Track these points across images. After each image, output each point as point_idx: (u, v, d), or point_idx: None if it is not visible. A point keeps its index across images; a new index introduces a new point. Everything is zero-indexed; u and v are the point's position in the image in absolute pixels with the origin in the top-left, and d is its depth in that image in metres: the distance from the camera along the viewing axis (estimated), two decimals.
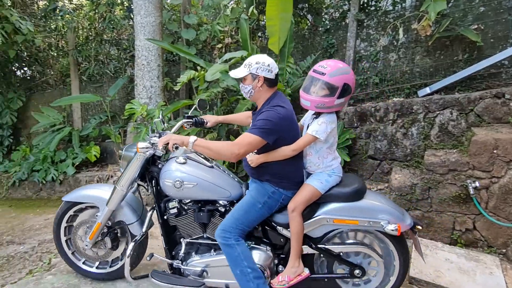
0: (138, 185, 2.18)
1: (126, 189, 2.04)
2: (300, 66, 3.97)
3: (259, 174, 1.88)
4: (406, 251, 1.89)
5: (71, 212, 2.26)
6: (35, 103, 5.81)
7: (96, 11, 5.19)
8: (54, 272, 2.45)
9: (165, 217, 2.03)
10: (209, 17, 4.57)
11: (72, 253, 2.31)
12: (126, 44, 5.46)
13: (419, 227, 1.85)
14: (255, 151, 1.79)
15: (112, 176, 4.42)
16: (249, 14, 3.83)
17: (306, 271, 1.89)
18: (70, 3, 5.58)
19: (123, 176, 2.02)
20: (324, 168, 1.89)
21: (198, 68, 3.58)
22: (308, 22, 4.37)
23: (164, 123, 2.24)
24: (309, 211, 1.87)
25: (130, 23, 5.24)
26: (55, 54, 5.86)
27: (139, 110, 3.65)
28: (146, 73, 3.84)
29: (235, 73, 1.86)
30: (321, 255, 1.96)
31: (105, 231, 2.15)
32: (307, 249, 1.90)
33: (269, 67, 1.81)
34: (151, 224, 2.12)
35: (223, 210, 1.98)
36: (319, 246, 1.91)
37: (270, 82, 1.84)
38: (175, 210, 1.98)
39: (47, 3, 5.44)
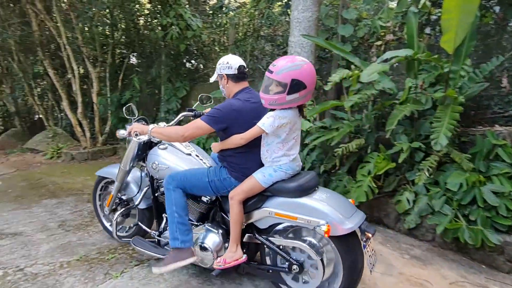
0: (142, 166, 3.04)
1: (127, 167, 2.92)
2: (482, 70, 3.74)
3: (220, 160, 2.53)
4: (353, 256, 2.06)
5: (102, 184, 3.50)
6: (196, 93, 7.35)
7: (257, 7, 6.19)
8: None
9: (156, 194, 2.83)
10: (370, 11, 4.84)
11: (103, 216, 3.53)
12: (280, 40, 6.30)
13: (369, 234, 2.01)
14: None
15: None
16: (419, 7, 3.90)
17: (243, 257, 2.28)
18: (235, 1, 6.81)
19: (123, 157, 2.93)
20: (271, 162, 2.24)
21: (352, 67, 3.91)
22: (494, 15, 4.07)
23: (135, 113, 2.98)
24: (255, 202, 2.27)
25: (287, 19, 6.02)
26: (217, 48, 7.26)
27: None
28: None
29: (212, 79, 2.60)
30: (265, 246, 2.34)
31: (117, 201, 3.20)
32: (250, 238, 2.38)
33: (228, 64, 2.36)
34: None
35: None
36: (262, 236, 2.30)
37: (234, 78, 2.39)
38: (162, 189, 2.66)
39: (216, 1, 6.82)
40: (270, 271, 2.39)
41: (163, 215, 2.79)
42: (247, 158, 2.35)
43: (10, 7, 8.63)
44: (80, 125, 8.42)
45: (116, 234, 3.05)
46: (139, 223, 3.05)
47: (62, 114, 10.40)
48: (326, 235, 1.96)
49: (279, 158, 2.23)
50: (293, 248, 2.27)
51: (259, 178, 2.23)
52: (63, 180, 6.47)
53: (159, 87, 8.15)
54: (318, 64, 5.47)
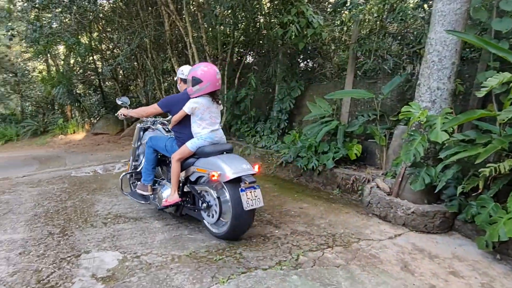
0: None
1: (135, 145, 4.42)
2: None
3: (173, 132, 3.80)
4: (237, 196, 3.08)
5: None
6: (310, 93, 7.11)
7: (387, 1, 5.62)
8: (300, 273, 2.80)
9: None
10: None
11: (132, 183, 4.56)
12: (411, 38, 5.62)
13: (246, 182, 3.08)
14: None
15: (369, 181, 4.78)
16: None
17: (178, 199, 3.56)
18: None
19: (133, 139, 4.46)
20: (195, 134, 3.46)
21: None
22: None
23: (127, 102, 4.30)
24: (188, 162, 3.53)
25: (421, 15, 5.33)
26: (337, 47, 6.88)
27: (418, 114, 3.72)
28: (435, 71, 3.82)
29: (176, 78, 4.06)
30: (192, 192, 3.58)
31: (132, 169, 4.54)
32: (187, 188, 3.70)
33: (182, 71, 3.80)
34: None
35: (167, 161, 3.93)
36: (191, 185, 3.57)
37: (184, 81, 3.74)
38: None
39: None
40: (196, 210, 3.60)
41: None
42: (183, 133, 3.58)
43: (148, 9, 9.61)
44: None
45: (121, 189, 4.47)
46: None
47: None
48: (212, 178, 3.13)
49: (200, 131, 3.45)
50: (207, 193, 3.43)
51: (188, 145, 3.45)
52: None
53: (273, 86, 8.13)
54: (461, 65, 4.68)
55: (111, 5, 11.02)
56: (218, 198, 3.27)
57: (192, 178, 3.59)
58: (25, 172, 7.98)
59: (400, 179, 4.09)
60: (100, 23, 11.99)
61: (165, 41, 9.33)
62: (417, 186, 3.77)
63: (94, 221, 4.00)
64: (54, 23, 8.87)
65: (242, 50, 9.32)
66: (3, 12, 11.45)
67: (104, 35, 13.74)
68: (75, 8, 8.41)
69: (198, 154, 3.46)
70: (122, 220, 4.03)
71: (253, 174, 3.20)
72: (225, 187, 3.20)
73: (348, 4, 6.21)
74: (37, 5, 8.06)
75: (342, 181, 5.27)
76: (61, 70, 15.43)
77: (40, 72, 20.00)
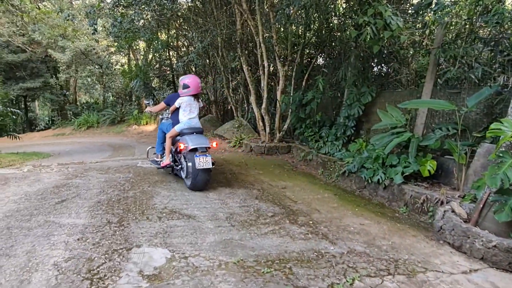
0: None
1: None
2: None
3: (170, 119, 5.84)
4: (193, 160, 4.86)
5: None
6: (382, 100, 6.64)
7: (480, 2, 4.99)
8: None
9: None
10: None
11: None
12: (506, 44, 4.93)
13: (200, 151, 4.87)
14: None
15: (442, 202, 4.28)
16: None
17: (170, 162, 5.61)
18: None
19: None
20: (180, 120, 5.35)
21: None
22: None
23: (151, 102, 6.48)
24: (176, 139, 5.49)
25: None
26: (416, 52, 6.31)
27: (511, 134, 3.19)
28: None
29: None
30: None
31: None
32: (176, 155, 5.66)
33: (180, 80, 5.57)
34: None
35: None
36: (177, 154, 5.52)
37: (179, 86, 5.62)
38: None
39: None
40: (178, 169, 5.47)
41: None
42: (175, 119, 5.52)
43: (222, 8, 9.77)
44: (262, 120, 8.87)
45: (147, 156, 6.99)
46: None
47: (249, 107, 11.25)
48: (179, 148, 5.05)
49: (183, 118, 5.32)
50: (181, 158, 5.31)
51: (176, 128, 5.34)
52: (239, 170, 6.87)
53: (342, 90, 7.77)
54: None
55: (189, 3, 11.40)
56: (186, 161, 5.09)
57: (178, 149, 5.28)
58: (98, 157, 8.58)
59: (481, 205, 3.56)
60: (178, 21, 12.48)
61: (235, 40, 9.41)
62: (503, 216, 3.24)
63: (150, 214, 4.08)
64: (136, 20, 9.40)
65: (312, 51, 9.06)
66: (94, 8, 12.43)
67: (180, 32, 14.33)
68: (155, 5, 8.82)
69: (181, 134, 5.34)
70: (176, 217, 4.05)
71: (207, 148, 5.02)
72: (188, 155, 4.99)
73: (433, 5, 5.66)
74: (122, 3, 8.60)
75: (410, 199, 4.80)
76: (139, 64, 16.41)
77: (122, 66, 21.58)
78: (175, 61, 17.05)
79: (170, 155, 5.65)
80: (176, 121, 5.46)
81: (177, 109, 5.41)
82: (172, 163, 5.60)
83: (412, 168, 4.93)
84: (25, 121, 23.54)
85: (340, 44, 7.19)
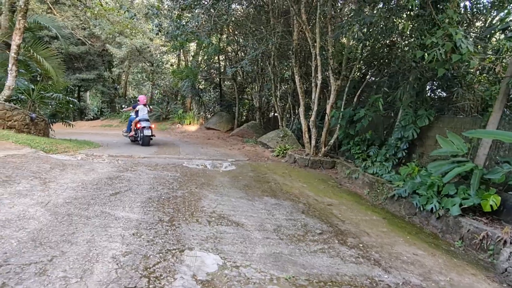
0: None
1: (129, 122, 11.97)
2: None
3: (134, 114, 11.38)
4: (143, 131, 10.32)
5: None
6: (440, 125, 6.35)
7: None
8: None
9: None
10: None
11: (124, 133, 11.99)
12: None
13: (146, 127, 10.54)
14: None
15: (505, 242, 3.98)
16: None
17: (133, 133, 10.97)
18: None
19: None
20: (138, 115, 10.79)
21: None
22: None
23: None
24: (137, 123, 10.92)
25: None
26: (484, 78, 6.00)
27: None
28: None
29: None
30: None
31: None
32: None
33: (138, 97, 12.84)
34: None
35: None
36: (136, 129, 11.10)
37: (136, 100, 13.29)
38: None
39: (499, 22, 5.58)
40: (136, 137, 10.84)
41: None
42: (136, 115, 10.79)
43: (279, 18, 9.82)
44: (309, 132, 8.77)
45: (123, 135, 11.83)
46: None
47: (295, 118, 11.20)
48: (137, 127, 10.68)
49: (139, 114, 10.66)
50: (139, 132, 10.58)
51: (137, 118, 10.64)
52: (283, 181, 6.80)
53: (396, 110, 7.53)
54: None
55: (244, 11, 11.58)
56: (140, 133, 10.34)
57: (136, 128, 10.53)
58: (145, 153, 8.81)
59: None
60: (230, 27, 12.71)
61: (289, 50, 9.41)
62: None
63: (200, 217, 4.10)
64: (193, 23, 9.65)
65: (366, 68, 8.88)
66: (153, 9, 12.92)
67: (231, 38, 14.56)
68: (213, 11, 9.01)
69: (139, 121, 10.40)
70: (225, 223, 4.05)
71: (150, 126, 10.36)
72: (141, 129, 10.20)
73: (510, 31, 5.36)
74: (182, 5, 8.87)
75: (467, 234, 4.52)
76: (190, 66, 16.82)
77: (171, 65, 22.24)
78: (223, 65, 17.35)
79: (133, 132, 10.84)
80: (137, 116, 10.72)
81: (137, 110, 10.78)
82: (134, 135, 10.82)
83: (472, 201, 4.65)
84: (77, 109, 24.79)
85: (399, 63, 6.97)
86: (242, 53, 15.09)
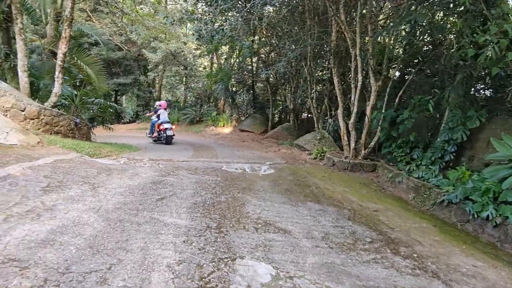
0: None
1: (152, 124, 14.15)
2: None
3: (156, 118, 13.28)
4: (165, 132, 12.06)
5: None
6: (492, 127, 6.01)
7: None
8: None
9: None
10: None
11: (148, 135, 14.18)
12: None
13: (168, 128, 12.13)
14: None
15: None
16: None
17: (156, 135, 12.75)
18: None
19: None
20: (160, 118, 12.45)
21: None
22: None
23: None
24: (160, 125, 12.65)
25: None
26: None
27: None
28: None
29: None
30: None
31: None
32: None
33: (156, 103, 14.34)
34: None
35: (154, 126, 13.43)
36: (158, 131, 13.05)
37: (156, 106, 13.85)
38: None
39: None
40: (159, 137, 12.39)
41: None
42: (158, 118, 12.45)
43: (315, 18, 9.67)
44: (348, 134, 8.56)
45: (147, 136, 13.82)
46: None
47: (331, 119, 11.00)
48: (160, 128, 12.38)
49: (161, 117, 12.36)
50: (162, 133, 12.09)
51: (159, 121, 12.32)
52: (324, 184, 6.66)
53: (441, 111, 7.20)
54: None
55: (277, 12, 11.50)
56: (163, 133, 11.91)
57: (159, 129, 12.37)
58: (183, 156, 8.93)
59: None
60: (264, 28, 12.67)
61: (327, 51, 9.24)
62: None
63: (246, 224, 4.06)
64: (227, 26, 9.69)
65: (407, 67, 8.56)
66: (188, 14, 13.12)
67: (264, 39, 14.53)
68: (247, 13, 8.99)
69: (161, 123, 12.05)
70: (272, 230, 3.98)
71: (171, 128, 11.99)
72: (163, 131, 11.91)
73: None
74: (220, 9, 8.91)
75: None
76: (224, 69, 16.95)
77: (204, 68, 22.52)
78: (255, 67, 17.34)
79: (156, 132, 12.41)
80: (158, 119, 12.28)
81: (159, 114, 12.34)
82: (158, 135, 12.32)
83: None
84: (115, 113, 25.64)
85: (445, 62, 6.65)
86: (275, 54, 15.03)
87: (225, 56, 18.96)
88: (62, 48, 7.83)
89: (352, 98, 8.31)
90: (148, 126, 21.39)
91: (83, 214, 3.67)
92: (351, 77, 8.37)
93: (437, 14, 5.80)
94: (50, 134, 7.99)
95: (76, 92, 10.13)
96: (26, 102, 7.55)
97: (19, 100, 7.46)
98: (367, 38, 7.73)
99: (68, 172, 5.27)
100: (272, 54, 15.14)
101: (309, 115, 17.06)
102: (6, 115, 7.33)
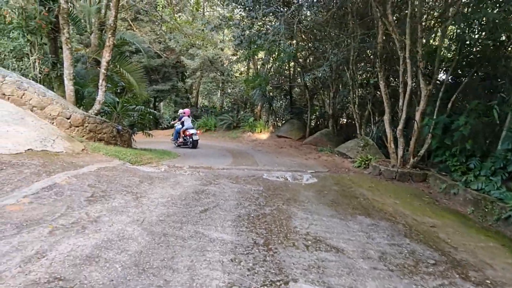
0: None
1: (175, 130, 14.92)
2: None
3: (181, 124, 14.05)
4: (191, 137, 13.08)
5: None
6: None
7: None
8: None
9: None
10: None
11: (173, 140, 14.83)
12: None
13: (193, 134, 13.09)
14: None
15: None
16: None
17: (182, 140, 13.62)
18: None
19: None
20: (184, 125, 13.51)
21: None
22: None
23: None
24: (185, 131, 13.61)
25: None
26: None
27: None
28: None
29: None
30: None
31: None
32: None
33: (180, 111, 15.21)
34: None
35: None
36: (184, 136, 13.92)
37: (180, 113, 14.64)
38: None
39: None
40: (185, 142, 13.37)
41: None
42: (183, 124, 13.49)
43: (358, 19, 9.26)
44: (395, 141, 8.08)
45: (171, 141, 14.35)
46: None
47: (376, 125, 10.49)
48: (186, 133, 13.27)
49: (185, 124, 13.43)
50: (188, 138, 13.19)
51: (184, 127, 13.38)
52: (372, 196, 6.26)
53: (503, 116, 6.58)
54: None
55: (316, 15, 11.18)
56: (189, 138, 12.89)
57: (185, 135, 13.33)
58: (222, 163, 8.79)
59: None
60: (302, 32, 12.38)
61: (368, 54, 8.81)
62: None
63: (295, 240, 3.79)
64: (269, 30, 9.50)
65: (461, 69, 7.97)
66: (225, 20, 13.10)
67: (303, 43, 14.23)
68: (288, 17, 8.76)
69: (186, 129, 13.12)
70: (323, 247, 3.68)
71: (196, 133, 12.97)
72: (189, 136, 12.91)
73: None
74: (259, 13, 8.76)
75: None
76: (261, 75, 16.80)
77: (240, 73, 22.52)
78: (293, 72, 17.06)
79: (182, 138, 13.18)
80: (183, 126, 13.17)
81: (183, 121, 13.15)
82: (183, 141, 13.08)
83: None
84: (153, 119, 26.22)
85: (508, 63, 6.07)
86: (313, 58, 14.69)
87: (262, 62, 18.83)
88: (105, 57, 7.95)
89: (400, 104, 7.82)
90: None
91: (127, 227, 3.55)
92: (399, 81, 7.88)
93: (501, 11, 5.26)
94: (94, 141, 8.11)
95: (117, 99, 10.31)
96: (72, 110, 7.71)
97: (65, 108, 7.62)
98: (418, 39, 7.24)
99: (112, 181, 5.24)
100: (311, 58, 14.80)
101: (348, 121, 16.53)
102: (53, 122, 7.51)
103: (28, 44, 7.76)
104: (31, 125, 6.80)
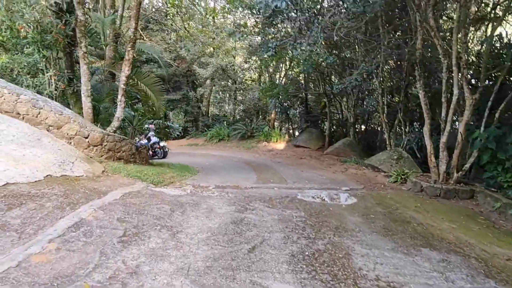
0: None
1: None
2: None
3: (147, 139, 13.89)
4: (162, 148, 13.55)
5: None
6: None
7: None
8: None
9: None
10: None
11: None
12: None
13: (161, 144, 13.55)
14: None
15: None
16: None
17: (151, 153, 12.90)
18: None
19: None
20: (151, 139, 13.50)
21: None
22: None
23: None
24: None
25: None
26: None
27: None
28: None
29: None
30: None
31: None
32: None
33: (147, 124, 13.95)
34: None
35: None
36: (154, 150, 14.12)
37: (147, 128, 13.82)
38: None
39: None
40: (156, 153, 13.27)
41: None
42: (149, 140, 13.19)
43: (391, 25, 8.69)
44: (436, 154, 7.46)
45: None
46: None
47: (406, 136, 9.88)
48: (156, 146, 13.45)
49: (151, 139, 13.34)
50: (158, 150, 13.50)
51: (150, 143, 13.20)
52: (424, 219, 5.64)
53: None
54: None
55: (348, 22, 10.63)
56: (161, 150, 13.37)
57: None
58: (246, 180, 8.24)
59: None
60: (329, 40, 11.84)
61: (401, 61, 8.22)
62: None
63: None
64: (281, 35, 8.97)
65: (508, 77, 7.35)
66: (240, 27, 12.61)
67: (326, 51, 13.68)
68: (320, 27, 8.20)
69: (155, 143, 13.26)
70: None
71: (165, 144, 13.69)
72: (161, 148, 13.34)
73: None
74: (271, 22, 8.25)
75: None
76: (280, 84, 16.25)
77: (253, 81, 22.01)
78: (309, 79, 16.49)
79: (151, 151, 12.73)
80: (149, 141, 12.92)
81: (149, 137, 12.94)
82: (152, 154, 12.72)
83: None
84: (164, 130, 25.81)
85: None
86: (337, 67, 14.13)
87: (278, 70, 18.31)
88: (125, 71, 7.44)
89: (443, 114, 7.21)
90: (197, 141, 21.24)
91: (174, 280, 2.98)
92: (436, 89, 7.27)
93: None
94: (113, 160, 7.60)
95: (133, 113, 9.82)
96: (90, 129, 7.21)
97: (83, 126, 7.12)
98: (461, 45, 6.64)
99: (141, 211, 4.69)
100: (335, 66, 14.25)
101: (368, 128, 15.92)
102: (71, 142, 7.01)
103: (44, 59, 7.28)
104: (48, 147, 6.30)
